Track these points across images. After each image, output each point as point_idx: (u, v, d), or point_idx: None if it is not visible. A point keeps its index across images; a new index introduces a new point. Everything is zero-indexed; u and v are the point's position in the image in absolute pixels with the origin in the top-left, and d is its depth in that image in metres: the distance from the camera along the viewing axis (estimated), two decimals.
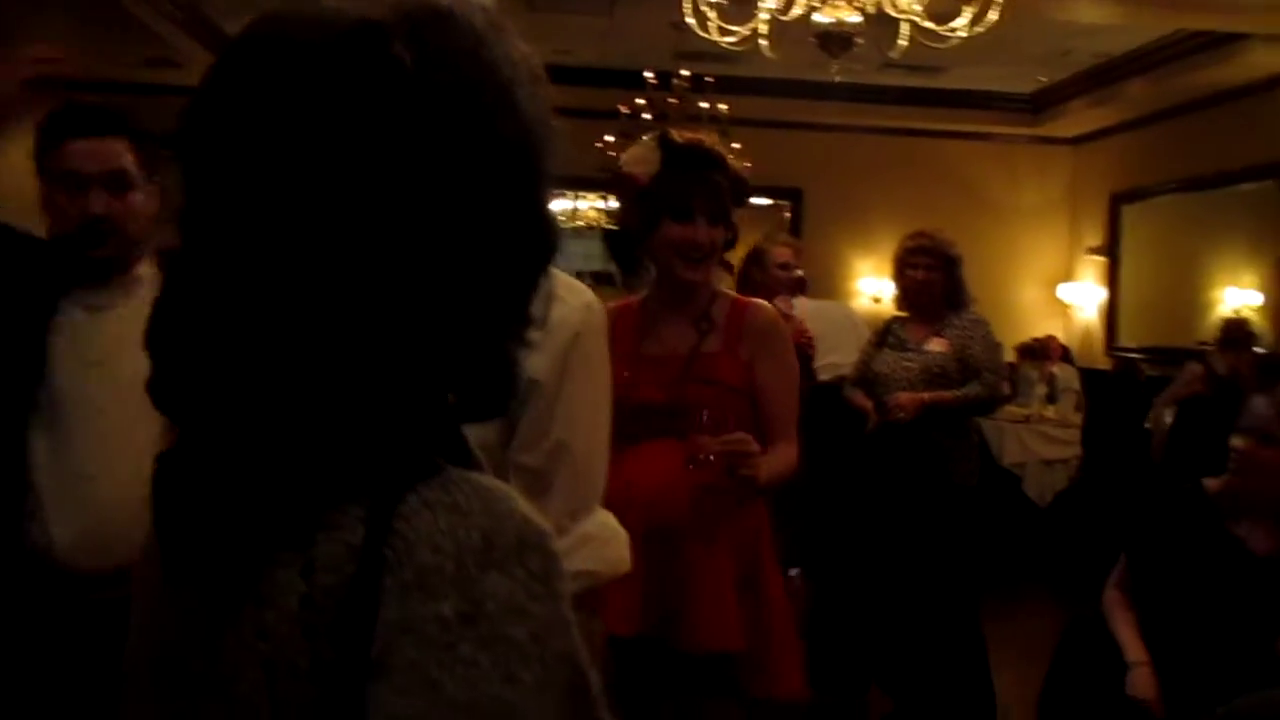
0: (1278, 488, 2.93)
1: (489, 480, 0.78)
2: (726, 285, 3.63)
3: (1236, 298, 8.11)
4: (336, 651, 0.72)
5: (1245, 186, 8.16)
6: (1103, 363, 9.59)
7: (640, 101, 8.11)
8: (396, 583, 0.71)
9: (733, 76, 8.35)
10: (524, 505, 0.77)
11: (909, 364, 4.43)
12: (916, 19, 5.14)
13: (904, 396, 4.33)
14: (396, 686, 0.69)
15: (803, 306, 4.94)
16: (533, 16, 7.29)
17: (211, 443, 0.77)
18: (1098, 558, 3.50)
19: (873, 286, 9.95)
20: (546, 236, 0.83)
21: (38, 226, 2.27)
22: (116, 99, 2.50)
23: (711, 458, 2.39)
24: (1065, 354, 9.27)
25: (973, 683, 4.28)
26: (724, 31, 5.49)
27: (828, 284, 9.26)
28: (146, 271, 2.30)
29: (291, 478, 0.75)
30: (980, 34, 5.15)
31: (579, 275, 2.17)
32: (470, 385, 0.81)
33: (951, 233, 4.60)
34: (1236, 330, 6.84)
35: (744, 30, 5.44)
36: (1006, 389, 5.00)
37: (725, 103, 8.01)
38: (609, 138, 8.28)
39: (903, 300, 4.63)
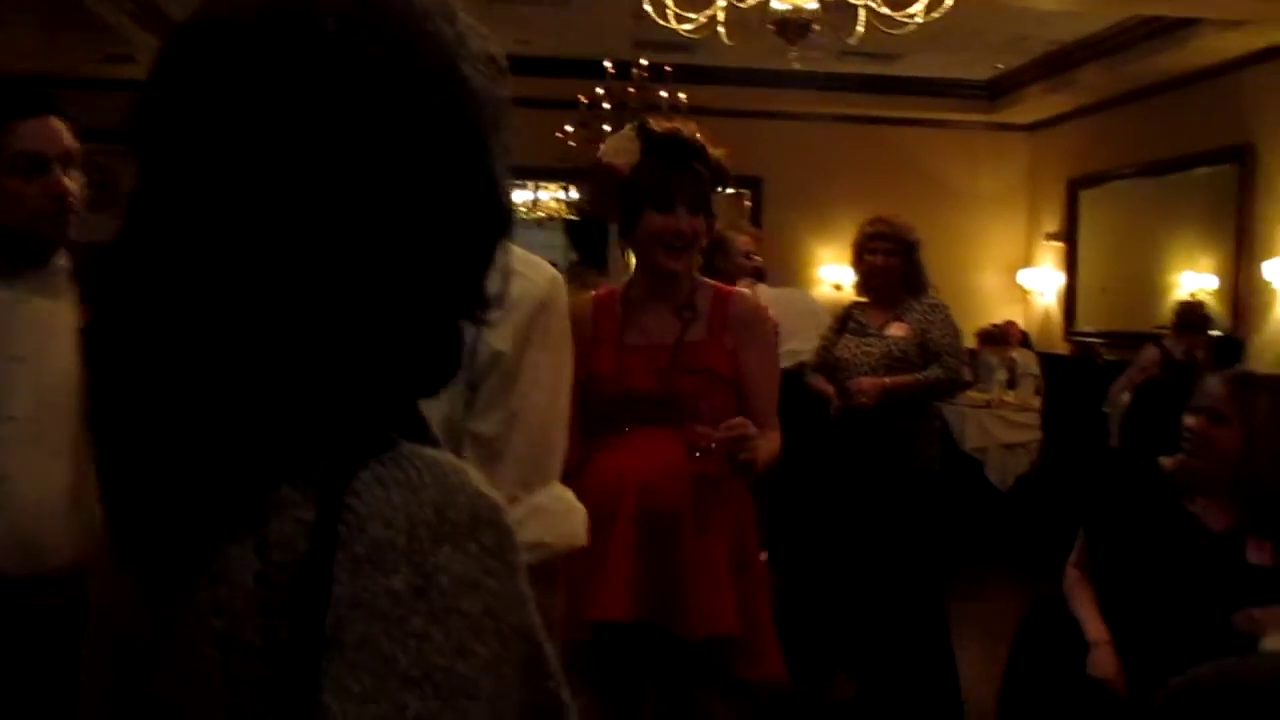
0: (1230, 465, 2.98)
1: (443, 455, 0.77)
2: None
3: (1193, 281, 8.19)
4: (291, 628, 0.71)
5: (1200, 171, 8.25)
6: (1061, 347, 9.67)
7: (599, 91, 8.10)
8: (348, 558, 0.71)
9: (692, 65, 8.35)
10: (478, 480, 0.76)
11: (869, 349, 4.45)
12: (873, 5, 5.17)
13: (865, 381, 4.35)
14: (349, 661, 0.69)
15: (764, 294, 4.95)
16: (491, 7, 7.26)
17: (160, 422, 0.76)
18: (1058, 539, 3.54)
19: (834, 274, 9.98)
20: (498, 211, 0.82)
21: None
22: (75, 95, 2.43)
23: (714, 445, 2.41)
24: (1025, 339, 9.35)
25: (936, 664, 4.31)
26: (682, 19, 5.49)
27: (789, 272, 9.27)
28: (63, 264, 2.18)
29: (242, 455, 0.75)
30: (937, 20, 5.18)
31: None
32: (417, 360, 0.81)
33: (911, 219, 4.62)
34: (1191, 314, 6.91)
35: (701, 18, 5.45)
36: (967, 373, 5.03)
37: (685, 92, 8.00)
38: (569, 128, 8.27)
39: (862, 285, 4.64)
